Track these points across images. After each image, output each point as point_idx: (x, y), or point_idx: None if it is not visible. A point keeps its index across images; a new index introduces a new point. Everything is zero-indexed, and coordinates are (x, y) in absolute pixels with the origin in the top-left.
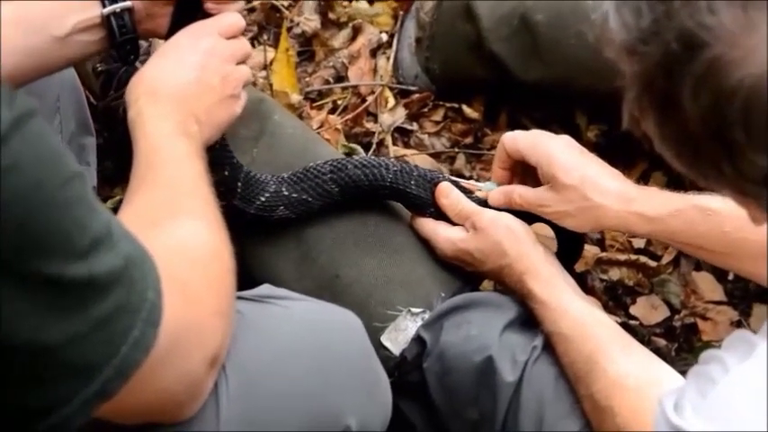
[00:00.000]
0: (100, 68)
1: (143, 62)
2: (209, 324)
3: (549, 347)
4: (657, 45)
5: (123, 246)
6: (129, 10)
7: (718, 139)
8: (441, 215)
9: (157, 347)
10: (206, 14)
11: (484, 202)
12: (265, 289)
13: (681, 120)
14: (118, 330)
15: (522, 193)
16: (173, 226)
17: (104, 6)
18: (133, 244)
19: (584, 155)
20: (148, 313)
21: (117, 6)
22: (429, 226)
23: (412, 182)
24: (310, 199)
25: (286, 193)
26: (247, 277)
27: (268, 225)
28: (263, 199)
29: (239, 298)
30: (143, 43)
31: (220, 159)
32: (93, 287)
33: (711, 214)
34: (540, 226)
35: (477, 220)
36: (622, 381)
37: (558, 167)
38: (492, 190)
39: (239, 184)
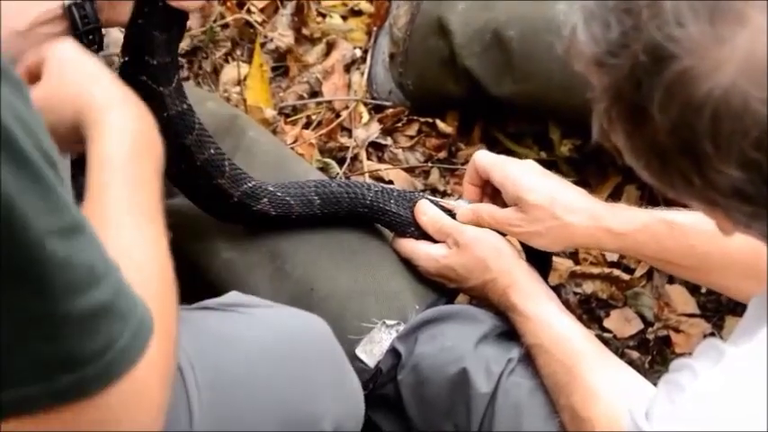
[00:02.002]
0: None
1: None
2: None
3: (526, 360)
4: (626, 57)
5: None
6: (91, 0)
7: (687, 151)
8: (422, 235)
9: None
10: (167, 3)
11: None
12: (233, 296)
13: (650, 131)
14: (106, 331)
15: (492, 212)
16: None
17: None
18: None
19: (546, 176)
20: (138, 327)
21: None
22: (410, 245)
23: (392, 201)
24: (292, 202)
25: (271, 188)
26: (221, 291)
27: (246, 219)
28: (250, 185)
29: (205, 308)
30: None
31: (202, 139)
32: (71, 271)
33: (677, 228)
34: (508, 239)
35: (458, 236)
36: (601, 392)
37: (522, 189)
38: (462, 206)
39: (226, 163)
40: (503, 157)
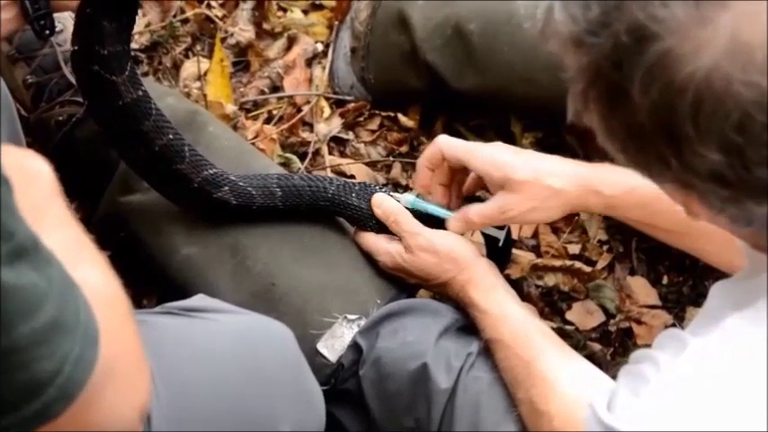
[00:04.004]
0: (30, 80)
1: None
2: (136, 370)
3: (485, 354)
4: (607, 37)
5: (53, 265)
6: None
7: (667, 133)
8: (382, 228)
9: (95, 374)
10: None
11: (425, 216)
12: (198, 300)
13: (629, 112)
14: (56, 349)
15: (479, 211)
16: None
17: None
18: (61, 268)
19: (520, 152)
20: (84, 334)
21: None
22: (371, 240)
23: (353, 194)
24: (254, 192)
25: (233, 178)
26: (182, 287)
27: (206, 206)
28: (211, 172)
29: (168, 312)
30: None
31: (160, 125)
32: (15, 298)
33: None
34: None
35: (412, 241)
36: (559, 386)
37: (507, 168)
38: (409, 201)
39: (186, 149)
40: (471, 143)
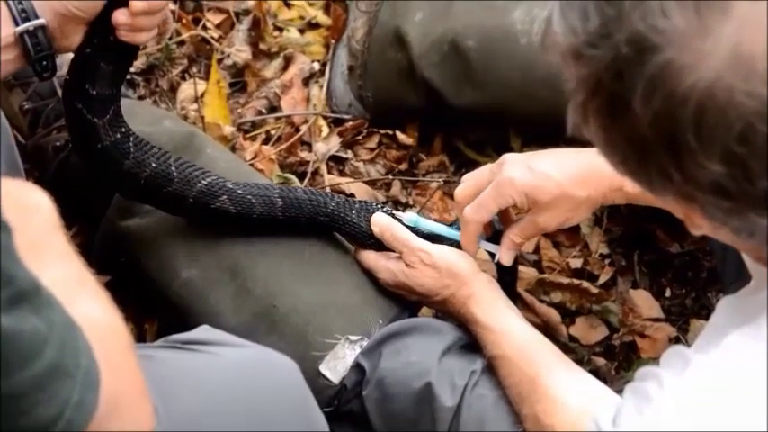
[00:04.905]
0: (27, 107)
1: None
2: (139, 402)
3: (489, 371)
4: (607, 48)
5: (53, 308)
6: (43, 27)
7: (669, 144)
8: (381, 246)
9: (96, 416)
10: (117, 36)
11: (427, 236)
12: (202, 332)
13: (629, 124)
14: (56, 393)
15: (518, 233)
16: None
17: (17, 25)
18: (61, 309)
19: (535, 166)
20: (84, 377)
21: (30, 25)
22: (371, 257)
23: (353, 212)
24: (254, 200)
25: (231, 186)
26: (183, 311)
27: (206, 217)
28: (205, 183)
29: (172, 346)
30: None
31: (140, 158)
32: (15, 343)
33: None
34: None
35: (412, 259)
36: (564, 400)
37: (535, 193)
38: (411, 219)
39: (173, 170)
40: (504, 180)
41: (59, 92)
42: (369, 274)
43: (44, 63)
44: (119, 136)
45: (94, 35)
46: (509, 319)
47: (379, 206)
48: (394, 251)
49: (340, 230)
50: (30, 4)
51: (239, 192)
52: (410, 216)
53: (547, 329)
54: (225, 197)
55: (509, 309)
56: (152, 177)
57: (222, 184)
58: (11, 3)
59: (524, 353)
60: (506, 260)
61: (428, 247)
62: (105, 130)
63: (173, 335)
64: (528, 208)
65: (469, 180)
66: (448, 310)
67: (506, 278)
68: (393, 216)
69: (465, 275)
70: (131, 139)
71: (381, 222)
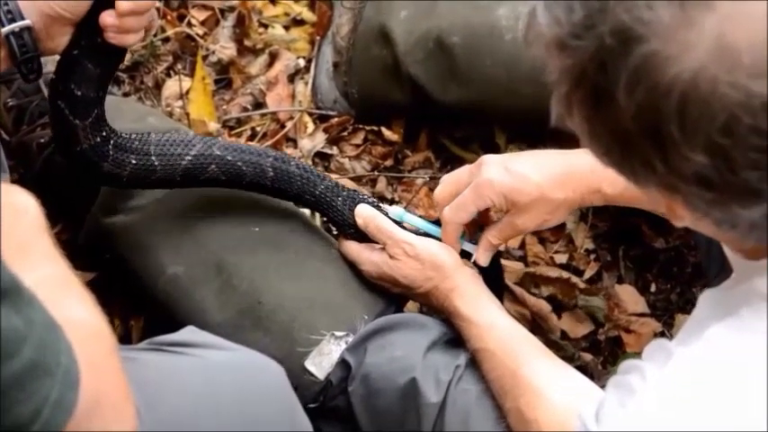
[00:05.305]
0: (11, 103)
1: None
2: (121, 404)
3: (473, 366)
4: (591, 39)
5: (33, 307)
6: (29, 29)
7: (652, 135)
8: (361, 236)
9: (79, 410)
10: (104, 38)
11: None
12: (187, 334)
13: (613, 115)
14: (35, 392)
15: (497, 234)
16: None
17: (3, 26)
18: (42, 309)
19: (513, 167)
20: (64, 376)
21: (16, 26)
22: (354, 249)
23: (339, 198)
24: (244, 168)
25: (219, 153)
26: (169, 307)
27: (198, 186)
28: (189, 158)
29: (157, 349)
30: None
31: (119, 159)
32: None
33: None
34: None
35: (395, 250)
36: (547, 393)
37: (513, 194)
38: (397, 213)
39: (153, 159)
40: (479, 182)
41: (44, 89)
42: (354, 270)
43: (30, 65)
44: (98, 140)
45: (82, 37)
46: (492, 313)
47: (367, 197)
48: (377, 243)
49: (324, 213)
50: (15, 4)
51: (229, 159)
52: (396, 210)
53: (537, 321)
54: (213, 166)
55: (492, 303)
56: (133, 174)
57: (209, 153)
58: None
59: (507, 346)
60: (483, 261)
61: (412, 239)
62: (86, 132)
63: (157, 337)
64: (506, 209)
65: (448, 181)
66: (431, 303)
67: (491, 274)
68: (379, 208)
69: (448, 268)
70: (111, 142)
71: (365, 214)
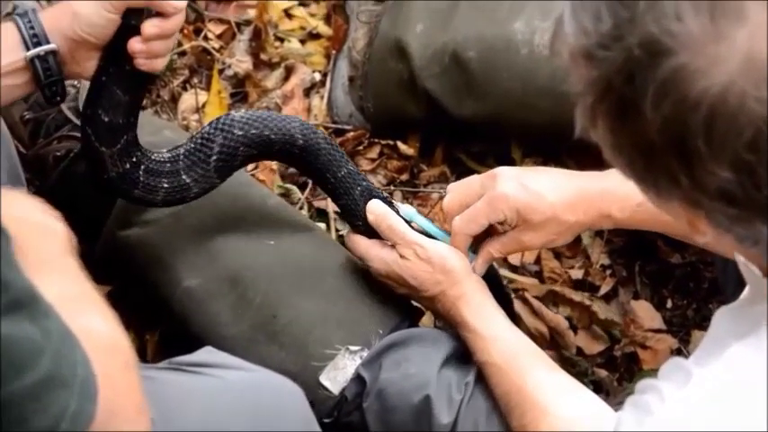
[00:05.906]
0: (27, 116)
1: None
2: (136, 418)
3: (481, 381)
4: (619, 50)
5: (50, 318)
6: (54, 52)
7: (678, 149)
8: (368, 231)
9: (95, 422)
10: (132, 62)
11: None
12: (205, 354)
13: (639, 128)
14: (52, 403)
15: (500, 248)
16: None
17: (28, 49)
18: (59, 320)
19: (528, 176)
20: (81, 388)
21: (41, 49)
22: (363, 244)
23: (358, 188)
24: (272, 136)
25: (240, 133)
26: (184, 321)
27: (234, 170)
28: (215, 159)
29: (176, 368)
30: (71, 89)
31: (151, 185)
32: (9, 351)
33: None
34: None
35: (406, 251)
36: (553, 410)
37: (527, 211)
38: (408, 213)
39: (185, 178)
40: (491, 196)
41: (64, 108)
42: (369, 284)
43: (54, 88)
44: (128, 166)
45: (109, 63)
46: (498, 325)
47: (381, 192)
48: (386, 240)
49: (339, 199)
50: (41, 28)
51: (253, 132)
52: (407, 209)
53: (554, 336)
54: (242, 148)
55: (498, 313)
56: (168, 197)
57: (235, 146)
58: (22, 27)
59: (513, 361)
60: (479, 270)
61: (424, 241)
62: (113, 159)
63: (176, 357)
64: (515, 225)
65: (457, 190)
66: (436, 308)
67: (491, 283)
68: (391, 205)
69: (457, 274)
70: (142, 167)
71: (378, 211)
